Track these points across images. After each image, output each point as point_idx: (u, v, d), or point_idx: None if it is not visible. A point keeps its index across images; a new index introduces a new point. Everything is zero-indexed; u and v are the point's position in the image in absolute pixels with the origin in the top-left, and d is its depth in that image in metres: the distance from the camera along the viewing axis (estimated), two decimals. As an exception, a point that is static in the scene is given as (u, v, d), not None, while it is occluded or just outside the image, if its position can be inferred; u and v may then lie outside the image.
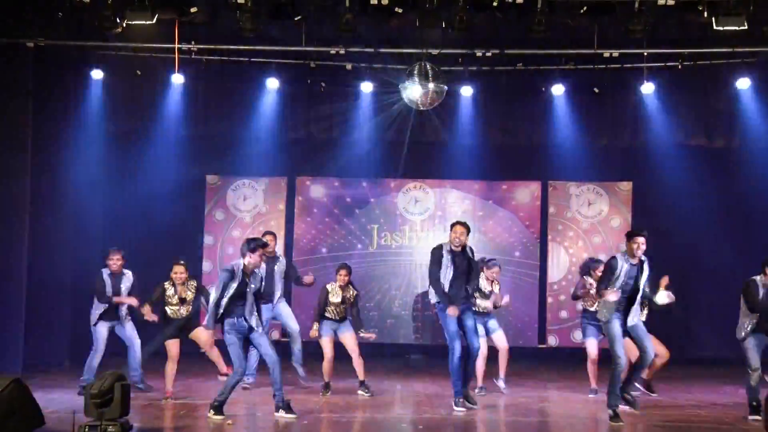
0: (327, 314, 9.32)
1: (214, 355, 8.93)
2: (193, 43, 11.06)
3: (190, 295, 8.91)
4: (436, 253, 8.48)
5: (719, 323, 11.85)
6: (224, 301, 7.67)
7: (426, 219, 13.19)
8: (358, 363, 9.36)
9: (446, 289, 8.34)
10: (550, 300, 13.01)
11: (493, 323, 9.64)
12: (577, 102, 12.14)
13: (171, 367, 8.81)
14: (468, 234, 8.52)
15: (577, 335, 12.83)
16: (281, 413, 7.78)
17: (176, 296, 8.82)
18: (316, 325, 9.30)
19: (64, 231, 11.38)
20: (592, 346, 9.29)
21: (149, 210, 12.44)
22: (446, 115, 12.24)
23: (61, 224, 11.33)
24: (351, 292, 9.41)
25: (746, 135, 12.05)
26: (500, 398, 9.37)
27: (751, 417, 8.00)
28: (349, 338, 9.38)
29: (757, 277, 8.06)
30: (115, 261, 9.25)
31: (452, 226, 8.56)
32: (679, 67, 11.33)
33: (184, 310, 8.83)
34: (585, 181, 13.09)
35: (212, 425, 7.48)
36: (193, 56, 11.29)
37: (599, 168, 12.88)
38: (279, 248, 12.89)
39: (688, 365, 10.65)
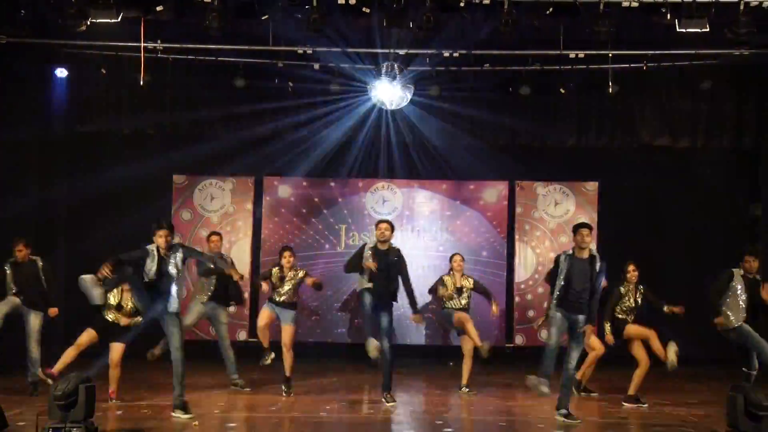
0: (274, 296, 9.40)
1: (115, 374, 8.71)
2: (159, 41, 10.98)
3: (129, 306, 8.79)
4: (360, 248, 8.94)
5: (684, 323, 12.00)
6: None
7: (394, 219, 13.17)
8: (287, 358, 9.33)
9: (367, 282, 8.68)
10: (517, 299, 13.08)
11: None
12: (543, 102, 12.23)
13: (114, 373, 8.70)
14: (393, 231, 8.88)
15: (544, 334, 12.93)
16: (178, 413, 7.76)
17: (116, 301, 8.74)
18: (263, 282, 9.48)
19: (26, 231, 11.22)
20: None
21: (115, 210, 12.34)
22: (414, 114, 12.27)
23: (23, 224, 11.18)
24: (298, 276, 9.45)
25: (709, 136, 12.22)
26: (466, 398, 9.42)
27: None
28: (286, 330, 9.36)
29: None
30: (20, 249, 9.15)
31: (377, 223, 8.95)
32: (644, 68, 11.46)
33: (116, 317, 8.76)
34: (552, 181, 13.18)
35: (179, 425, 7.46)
36: (159, 55, 11.21)
37: (565, 168, 13.00)
38: (247, 247, 12.91)
39: (654, 365, 10.78)
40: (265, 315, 9.44)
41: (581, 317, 7.97)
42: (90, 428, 6.63)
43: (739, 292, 8.41)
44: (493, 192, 13.21)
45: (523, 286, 13.11)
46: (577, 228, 8.18)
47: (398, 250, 8.91)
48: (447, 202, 13.23)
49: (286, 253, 9.56)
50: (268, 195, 13.16)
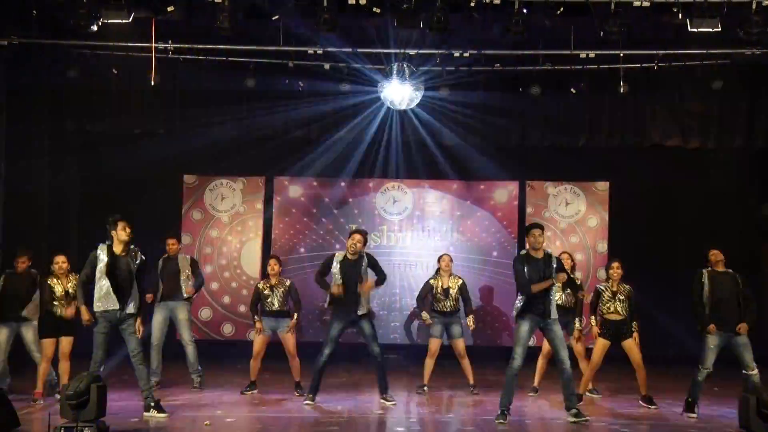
0: (264, 307, 9.42)
1: (65, 367, 8.74)
2: (169, 42, 11.00)
3: (72, 288, 8.81)
4: (326, 260, 8.90)
5: (693, 322, 11.97)
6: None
7: (404, 219, 13.20)
8: (293, 365, 9.38)
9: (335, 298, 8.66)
10: (527, 299, 13.03)
11: (456, 329, 9.68)
12: (554, 102, 12.19)
13: (45, 368, 8.75)
14: (365, 243, 8.84)
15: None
16: (152, 413, 7.76)
17: (62, 290, 8.76)
18: (257, 317, 9.45)
19: (39, 231, 11.28)
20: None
21: (126, 210, 12.32)
22: (424, 115, 12.26)
23: (36, 224, 11.23)
24: (285, 284, 9.45)
25: (721, 136, 12.16)
26: (478, 398, 9.41)
27: (687, 414, 8.27)
28: (288, 339, 9.38)
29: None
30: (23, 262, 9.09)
31: (350, 234, 8.88)
32: (655, 68, 11.41)
33: (62, 308, 8.76)
34: (562, 181, 13.16)
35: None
36: (170, 55, 11.22)
37: (576, 168, 12.96)
38: (257, 247, 12.93)
39: (663, 364, 10.77)
40: (259, 342, 9.43)
41: (550, 320, 7.93)
42: (101, 428, 6.66)
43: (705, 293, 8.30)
44: (504, 192, 13.19)
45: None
46: (528, 229, 8.15)
47: (365, 256, 8.85)
48: (457, 202, 13.22)
49: (272, 261, 9.59)
50: (279, 195, 13.18)
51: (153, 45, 10.51)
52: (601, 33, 9.47)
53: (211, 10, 9.48)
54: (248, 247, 13.04)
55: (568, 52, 11.02)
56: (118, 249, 7.78)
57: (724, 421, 8.05)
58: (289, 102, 12.23)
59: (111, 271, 7.66)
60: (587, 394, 9.33)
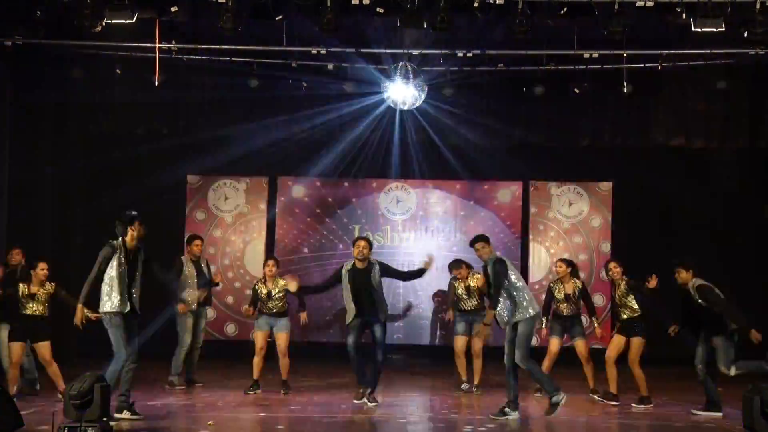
0: (263, 309, 9.45)
1: (53, 370, 8.66)
2: (173, 42, 11.01)
3: (43, 295, 8.68)
4: (335, 272, 9.01)
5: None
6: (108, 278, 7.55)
7: (408, 219, 13.20)
8: (282, 363, 9.44)
9: (352, 305, 8.72)
10: (531, 300, 13.02)
11: (477, 327, 9.72)
12: (557, 102, 12.18)
13: (14, 374, 8.67)
14: (371, 248, 8.87)
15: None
16: (125, 414, 7.62)
17: (28, 293, 8.61)
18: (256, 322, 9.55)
19: (43, 232, 11.29)
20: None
21: (129, 210, 12.35)
22: (427, 115, 12.27)
23: (40, 224, 11.25)
24: (280, 284, 9.45)
25: (724, 136, 12.15)
26: (480, 398, 9.41)
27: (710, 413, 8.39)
28: (281, 338, 9.43)
29: None
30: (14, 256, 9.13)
31: (354, 242, 8.92)
32: (659, 68, 11.40)
33: (35, 309, 8.63)
34: (566, 182, 13.15)
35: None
36: (173, 55, 11.23)
37: (580, 168, 12.97)
38: (261, 248, 12.95)
39: (667, 365, 10.76)
40: (260, 338, 9.47)
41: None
42: (105, 428, 6.66)
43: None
44: (507, 192, 13.18)
45: (537, 287, 13.02)
46: (471, 244, 8.52)
47: (376, 264, 8.87)
48: (461, 202, 13.22)
49: (270, 262, 9.61)
50: (282, 195, 13.18)
51: (157, 45, 10.52)
52: (605, 33, 9.46)
53: (215, 11, 9.49)
54: (252, 248, 13.05)
55: (572, 52, 11.02)
56: (131, 246, 7.75)
57: (728, 421, 8.03)
58: (293, 102, 12.24)
59: (129, 270, 7.64)
60: (590, 394, 9.33)
